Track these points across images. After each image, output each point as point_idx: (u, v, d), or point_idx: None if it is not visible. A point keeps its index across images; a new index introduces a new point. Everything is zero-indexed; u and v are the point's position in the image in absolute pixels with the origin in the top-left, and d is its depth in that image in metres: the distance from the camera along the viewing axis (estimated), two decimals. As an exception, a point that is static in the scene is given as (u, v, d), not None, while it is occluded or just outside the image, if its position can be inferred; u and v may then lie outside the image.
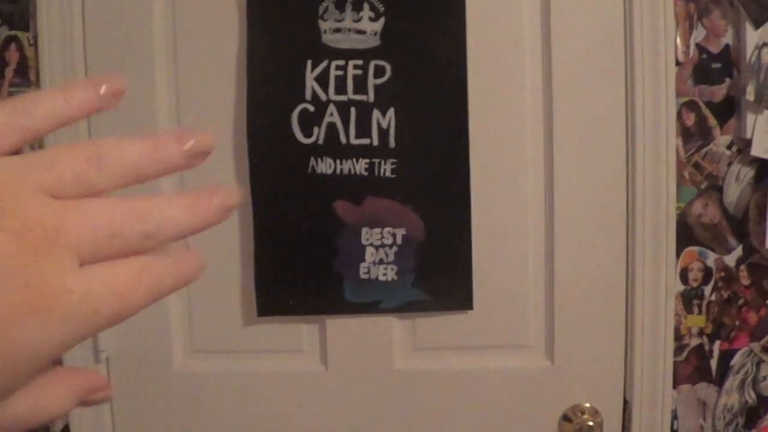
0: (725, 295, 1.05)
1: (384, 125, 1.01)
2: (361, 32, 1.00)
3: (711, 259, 1.05)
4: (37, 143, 1.03)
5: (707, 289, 1.05)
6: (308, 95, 1.01)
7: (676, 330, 1.04)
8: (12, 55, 1.07)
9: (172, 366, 1.07)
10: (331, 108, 1.01)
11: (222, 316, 1.06)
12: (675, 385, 1.05)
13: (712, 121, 1.03)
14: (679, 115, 1.03)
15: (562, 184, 1.02)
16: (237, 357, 1.06)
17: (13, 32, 1.07)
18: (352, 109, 1.00)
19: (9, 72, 1.07)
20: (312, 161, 1.01)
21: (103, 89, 0.24)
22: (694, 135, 1.04)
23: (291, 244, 1.02)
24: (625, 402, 1.05)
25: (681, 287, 1.05)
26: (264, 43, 1.01)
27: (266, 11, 1.00)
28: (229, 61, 1.02)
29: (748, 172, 1.04)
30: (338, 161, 1.01)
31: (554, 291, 1.03)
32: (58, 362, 1.07)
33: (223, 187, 0.24)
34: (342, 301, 1.02)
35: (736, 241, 1.05)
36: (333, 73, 1.00)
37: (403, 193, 1.01)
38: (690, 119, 1.04)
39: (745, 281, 1.05)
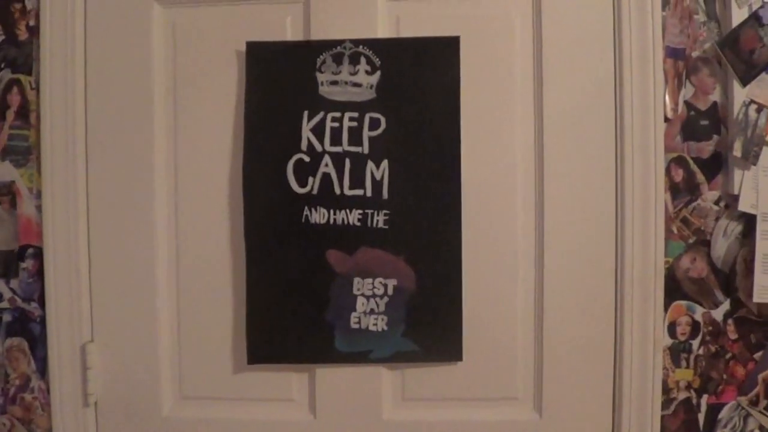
0: (713, 349, 1.06)
1: (378, 177, 1.02)
2: (358, 85, 1.02)
3: (699, 313, 1.06)
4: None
5: (695, 343, 1.06)
6: (304, 146, 1.02)
7: (664, 383, 1.05)
8: (14, 98, 1.09)
9: (160, 412, 1.06)
10: (326, 159, 1.02)
11: (212, 363, 1.06)
12: (663, 439, 1.06)
13: (700, 176, 1.05)
14: (667, 170, 1.05)
15: (552, 238, 1.03)
16: (226, 404, 1.06)
17: (16, 75, 1.09)
18: (347, 161, 1.02)
19: (10, 114, 1.09)
20: (306, 211, 1.02)
21: None
22: (682, 190, 1.05)
23: (283, 292, 1.03)
24: (613, 455, 1.06)
25: (669, 341, 1.06)
26: (262, 94, 1.03)
27: (265, 62, 1.03)
28: (227, 111, 1.04)
29: (735, 227, 1.05)
30: (332, 211, 1.02)
31: (543, 344, 1.04)
32: (47, 405, 1.07)
33: None
34: (332, 351, 1.03)
35: (723, 295, 1.06)
36: (329, 124, 1.02)
37: (395, 244, 1.02)
38: (678, 175, 1.06)
39: (733, 335, 1.06)
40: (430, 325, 1.02)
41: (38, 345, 1.08)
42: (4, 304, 1.09)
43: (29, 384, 1.09)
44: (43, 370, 1.08)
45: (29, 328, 1.09)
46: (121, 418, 1.06)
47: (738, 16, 1.03)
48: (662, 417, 1.05)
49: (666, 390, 1.05)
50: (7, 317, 1.09)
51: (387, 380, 1.05)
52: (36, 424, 1.09)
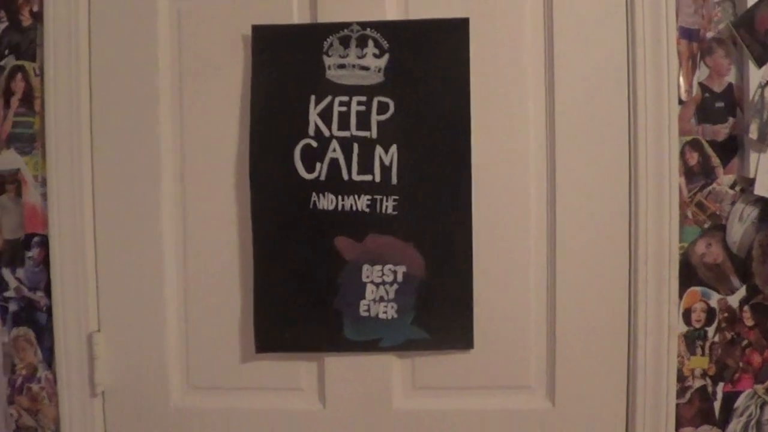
0: (729, 336, 1.04)
1: (386, 162, 1.01)
2: (365, 68, 1.01)
3: (714, 299, 1.04)
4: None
5: (710, 330, 1.04)
6: (311, 131, 1.01)
7: (679, 372, 1.03)
8: (18, 85, 1.08)
9: (168, 402, 1.06)
10: (334, 144, 1.01)
11: (220, 352, 1.05)
12: (678, 427, 1.03)
13: (715, 160, 1.03)
14: (682, 154, 1.03)
15: (565, 224, 1.02)
16: (234, 394, 1.05)
17: (20, 62, 1.07)
18: (355, 145, 1.01)
19: (14, 101, 1.07)
20: (314, 197, 1.01)
21: None
22: (697, 174, 1.03)
23: (291, 280, 1.01)
24: (628, 444, 1.04)
25: (684, 328, 1.04)
26: (268, 78, 1.01)
27: (271, 46, 1.01)
28: (233, 95, 1.03)
29: (751, 212, 1.03)
30: (340, 197, 1.01)
31: (556, 331, 1.02)
32: (54, 395, 1.06)
33: None
34: (341, 339, 1.01)
35: (739, 281, 1.04)
36: (336, 108, 1.01)
37: (405, 230, 1.00)
38: (693, 158, 1.04)
39: (749, 322, 1.04)
40: (441, 313, 1.01)
41: (45, 335, 1.07)
42: (10, 294, 1.08)
43: (36, 374, 1.08)
44: (49, 360, 1.07)
45: (36, 318, 1.08)
46: (128, 408, 1.05)
47: (754, -5, 1.01)
48: (677, 405, 1.03)
49: (681, 378, 1.03)
50: (13, 306, 1.08)
51: (397, 369, 1.04)
52: (43, 414, 1.08)
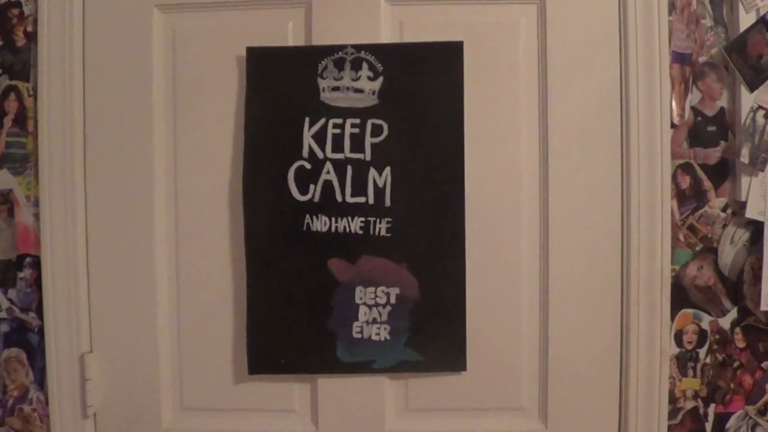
0: (720, 357, 1.05)
1: (380, 184, 1.01)
2: (360, 91, 1.01)
3: (706, 321, 1.05)
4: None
5: (702, 352, 1.05)
6: (305, 153, 1.01)
7: (671, 393, 1.04)
8: (11, 105, 1.07)
9: (161, 423, 1.05)
10: (328, 166, 1.01)
11: (213, 374, 1.04)
12: (670, 449, 1.05)
13: (707, 183, 1.04)
14: (674, 177, 1.03)
15: (558, 246, 1.02)
16: (227, 415, 1.05)
17: (14, 82, 1.07)
18: (349, 168, 1.01)
19: (7, 121, 1.07)
20: (307, 219, 1.01)
21: None
22: (689, 197, 1.04)
23: (284, 301, 1.01)
24: (620, 466, 1.04)
25: (676, 350, 1.04)
26: (262, 100, 1.02)
27: (266, 68, 1.01)
28: (227, 117, 1.03)
29: (742, 235, 1.04)
30: (333, 219, 1.01)
31: (548, 353, 1.02)
32: (45, 417, 1.05)
33: None
34: (334, 361, 1.01)
35: (731, 303, 1.05)
36: (330, 131, 1.01)
37: (398, 252, 1.01)
38: (685, 181, 1.04)
39: (740, 344, 1.05)
40: (434, 335, 1.01)
41: (37, 356, 1.07)
42: (2, 315, 1.07)
43: (28, 395, 1.08)
44: (41, 381, 1.07)
45: (27, 339, 1.07)
46: (120, 430, 1.05)
47: (745, 20, 1.01)
48: (669, 426, 1.03)
49: (673, 399, 1.04)
50: (5, 327, 1.07)
51: (390, 390, 1.04)
52: (34, 435, 1.08)
